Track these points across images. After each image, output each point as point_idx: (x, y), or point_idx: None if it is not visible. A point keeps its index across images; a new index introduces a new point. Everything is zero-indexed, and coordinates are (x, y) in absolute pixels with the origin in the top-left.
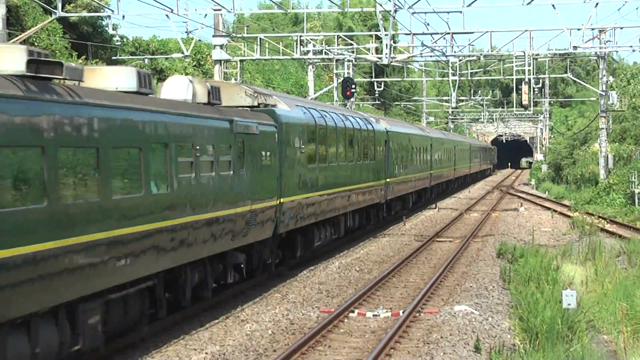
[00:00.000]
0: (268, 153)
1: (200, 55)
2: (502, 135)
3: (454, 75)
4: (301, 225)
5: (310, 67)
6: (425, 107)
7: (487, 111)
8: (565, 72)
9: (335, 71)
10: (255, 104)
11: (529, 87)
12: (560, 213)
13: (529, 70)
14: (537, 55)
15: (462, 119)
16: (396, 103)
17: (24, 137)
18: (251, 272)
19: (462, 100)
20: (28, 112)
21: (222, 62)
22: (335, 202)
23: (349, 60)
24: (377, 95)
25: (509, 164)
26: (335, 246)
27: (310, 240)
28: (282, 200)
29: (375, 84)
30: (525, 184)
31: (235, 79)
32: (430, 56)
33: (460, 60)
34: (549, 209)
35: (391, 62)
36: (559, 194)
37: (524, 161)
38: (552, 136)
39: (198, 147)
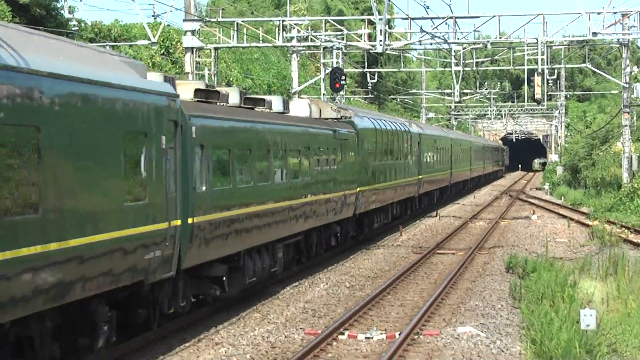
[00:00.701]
0: (351, 153)
1: (170, 42)
2: (511, 134)
3: (457, 65)
4: (367, 209)
5: (294, 55)
6: (424, 101)
7: (495, 106)
8: (584, 62)
9: (322, 60)
10: (339, 116)
11: (542, 78)
12: (578, 222)
13: (542, 59)
14: (552, 42)
15: (466, 114)
16: (392, 97)
17: (223, 143)
18: (340, 241)
19: (467, 94)
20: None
21: (194, 50)
22: (387, 193)
23: (338, 48)
24: (370, 87)
25: (520, 165)
26: (321, 260)
27: (371, 222)
28: (359, 189)
29: (368, 75)
30: (537, 188)
31: (209, 69)
32: (431, 44)
33: (464, 49)
34: (564, 217)
35: (386, 50)
36: (576, 200)
37: (536, 162)
38: (569, 134)
39: (319, 149)
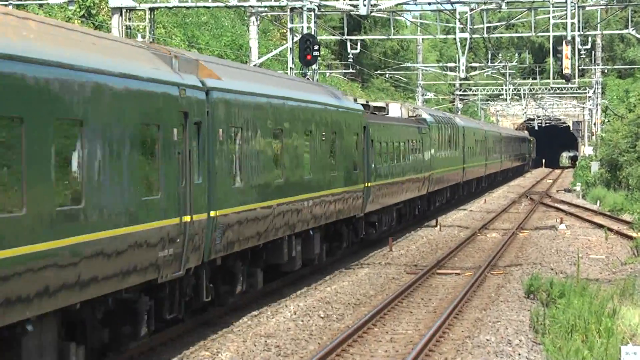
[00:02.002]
0: (427, 144)
1: (92, 1)
2: (533, 120)
3: (463, 31)
4: (432, 190)
5: (253, 19)
6: (421, 78)
7: (512, 84)
8: (626, 27)
9: (289, 25)
10: (414, 115)
11: (573, 48)
12: (618, 233)
13: (572, 24)
14: (585, 2)
15: (474, 95)
16: (379, 72)
17: (384, 138)
18: (419, 213)
19: (475, 69)
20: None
21: (124, 10)
22: (445, 177)
23: (309, 10)
24: (351, 60)
25: (543, 160)
26: (292, 279)
27: (436, 200)
28: (430, 173)
29: (349, 44)
30: (566, 190)
31: (143, 36)
32: (429, 3)
33: (472, 10)
34: (601, 226)
35: (371, 12)
36: (615, 205)
37: (564, 157)
38: (607, 120)
39: (413, 141)
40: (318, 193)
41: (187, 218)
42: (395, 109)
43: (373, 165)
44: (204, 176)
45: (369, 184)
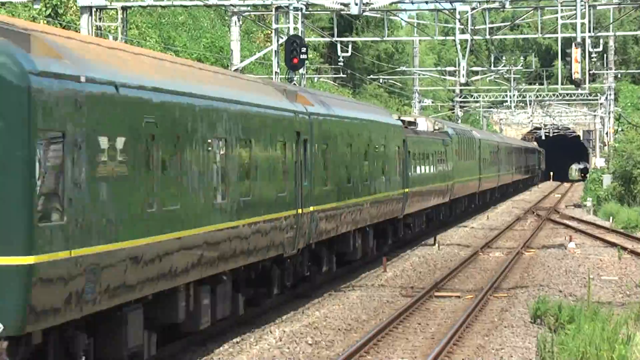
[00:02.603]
0: (450, 155)
1: (59, 0)
2: (539, 129)
3: (463, 32)
4: (453, 197)
5: (234, 19)
6: (417, 83)
7: (517, 90)
8: None
9: (274, 26)
10: (437, 128)
11: (583, 51)
12: (633, 252)
13: (582, 25)
14: (596, 1)
15: (476, 102)
16: (372, 77)
17: (419, 150)
18: (442, 218)
19: (477, 73)
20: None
21: (94, 10)
22: (465, 186)
23: (296, 9)
24: (341, 64)
25: (551, 173)
26: (276, 303)
27: (458, 207)
28: (453, 181)
29: (339, 46)
30: (576, 205)
31: (115, 37)
32: (427, 2)
33: (473, 10)
34: (614, 245)
35: (364, 11)
36: (630, 222)
37: (574, 169)
38: (620, 129)
39: (439, 152)
40: (373, 196)
41: (300, 211)
42: (423, 123)
43: (410, 174)
44: (309, 180)
45: (407, 190)
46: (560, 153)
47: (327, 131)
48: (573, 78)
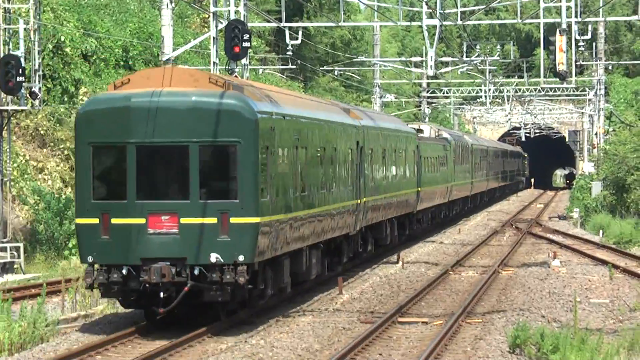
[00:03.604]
0: (449, 160)
1: None
2: (518, 128)
3: (431, 17)
4: (452, 199)
5: (166, 1)
6: (378, 75)
7: (493, 84)
8: (634, 13)
9: (212, 9)
10: (437, 134)
11: (569, 39)
12: (625, 271)
13: (568, 9)
14: None
15: (446, 97)
16: (325, 69)
17: (430, 154)
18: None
19: (447, 64)
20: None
21: None
22: (462, 189)
23: None
24: (290, 53)
25: (532, 180)
26: (218, 330)
27: (455, 208)
28: (451, 184)
29: (288, 33)
30: (561, 217)
31: (26, 22)
32: None
33: None
34: (604, 262)
35: None
36: (622, 236)
37: (559, 175)
38: (612, 129)
39: (441, 157)
40: (396, 193)
41: (359, 201)
42: (427, 130)
43: (422, 175)
44: (363, 177)
45: (420, 189)
46: (543, 157)
47: (373, 139)
48: (557, 70)
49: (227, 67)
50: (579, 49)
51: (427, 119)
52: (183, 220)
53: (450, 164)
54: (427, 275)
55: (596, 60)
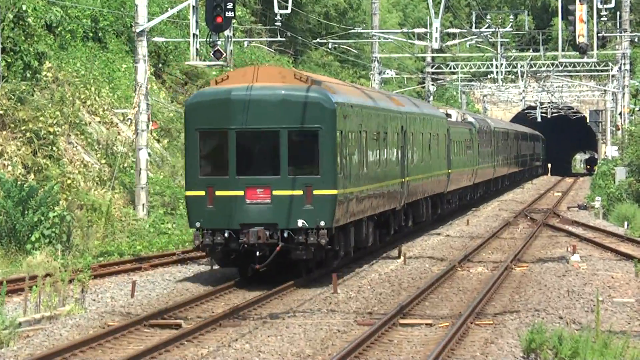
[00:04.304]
0: (475, 143)
1: None
2: (534, 108)
3: None
4: (476, 182)
5: None
6: (377, 48)
7: (505, 58)
8: None
9: None
10: (462, 119)
11: (590, 8)
12: None
13: None
14: None
15: (453, 73)
16: (318, 41)
17: (459, 138)
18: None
19: (454, 37)
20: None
21: None
22: (485, 171)
23: None
24: (279, 24)
25: (549, 165)
26: (199, 333)
27: (479, 191)
28: (476, 167)
29: (276, 1)
30: (581, 206)
31: None
32: None
33: None
34: (629, 257)
35: None
36: None
37: (578, 160)
38: (637, 108)
39: (468, 140)
40: (431, 173)
41: (404, 179)
42: (454, 114)
43: (452, 158)
44: (406, 159)
45: (450, 171)
46: (561, 139)
47: (413, 124)
48: (577, 43)
49: (208, 40)
50: (602, 19)
51: (431, 98)
52: (275, 192)
53: (475, 147)
54: (431, 271)
55: (620, 32)
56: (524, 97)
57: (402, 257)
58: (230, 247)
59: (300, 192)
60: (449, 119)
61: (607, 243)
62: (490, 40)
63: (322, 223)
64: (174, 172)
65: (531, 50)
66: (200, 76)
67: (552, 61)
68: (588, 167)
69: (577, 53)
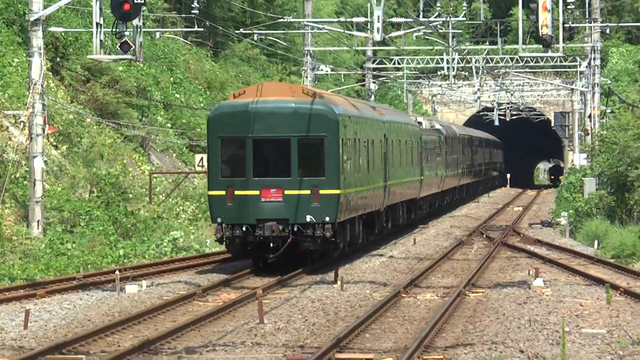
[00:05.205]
0: (443, 150)
1: None
2: (490, 110)
3: None
4: (444, 189)
5: None
6: (310, 41)
7: (458, 52)
8: None
9: None
10: (430, 126)
11: None
12: (627, 292)
13: None
14: None
15: (397, 69)
16: (242, 32)
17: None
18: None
19: (398, 27)
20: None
21: None
22: (452, 178)
23: None
24: (196, 12)
25: (508, 176)
26: None
27: (445, 198)
28: (444, 173)
29: None
30: (544, 222)
31: None
32: None
33: None
34: (600, 282)
35: None
36: (623, 248)
37: (542, 169)
38: (610, 110)
39: (436, 147)
40: (407, 179)
41: (386, 183)
42: (423, 122)
43: (423, 164)
44: (388, 164)
45: (422, 177)
46: (522, 146)
47: (393, 132)
48: (540, 34)
49: (114, 30)
50: (568, 7)
51: (372, 97)
52: (286, 192)
53: (443, 155)
54: (372, 298)
55: (590, 22)
56: (479, 97)
57: (338, 282)
58: (247, 240)
59: (308, 192)
60: (420, 127)
61: (575, 265)
62: (440, 31)
63: (327, 218)
64: (75, 184)
65: (487, 43)
66: (104, 72)
67: (511, 55)
68: (552, 177)
69: (540, 46)
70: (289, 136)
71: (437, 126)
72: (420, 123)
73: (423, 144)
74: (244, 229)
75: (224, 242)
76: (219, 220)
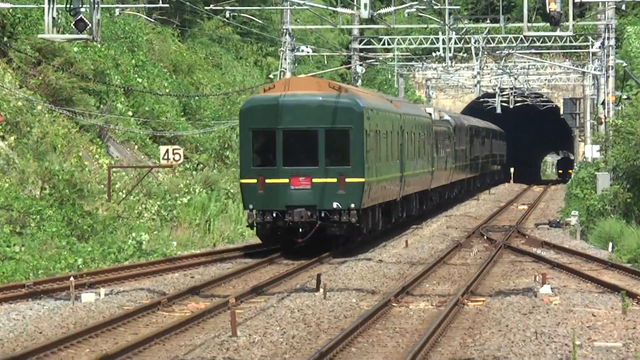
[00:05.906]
0: (452, 140)
1: None
2: (492, 95)
3: None
4: (452, 181)
5: None
6: (289, 18)
7: (455, 31)
8: None
9: None
10: (440, 117)
11: None
12: None
13: None
14: None
15: (387, 50)
16: (212, 8)
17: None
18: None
19: (388, 3)
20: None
21: None
22: (463, 169)
23: None
24: None
25: (512, 170)
26: None
27: (454, 190)
28: (454, 165)
29: None
30: (552, 223)
31: None
32: None
33: None
34: (614, 289)
35: None
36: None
37: (550, 163)
38: (626, 97)
39: (447, 137)
40: (420, 170)
41: (402, 174)
42: (434, 113)
43: (435, 156)
44: (404, 156)
45: (433, 169)
46: (527, 137)
47: (408, 124)
48: (548, 11)
49: (68, 7)
50: None
51: (359, 82)
52: (314, 180)
53: (452, 146)
54: (359, 308)
55: None
56: (479, 82)
57: (321, 289)
58: (277, 225)
59: (334, 180)
60: (432, 118)
61: (587, 270)
62: (435, 7)
63: (352, 205)
64: (24, 179)
65: (488, 21)
66: (57, 53)
67: (515, 35)
68: (561, 171)
69: (548, 24)
70: (317, 127)
71: (446, 117)
72: (429, 114)
73: (434, 135)
74: (274, 215)
75: (255, 228)
76: (250, 207)
